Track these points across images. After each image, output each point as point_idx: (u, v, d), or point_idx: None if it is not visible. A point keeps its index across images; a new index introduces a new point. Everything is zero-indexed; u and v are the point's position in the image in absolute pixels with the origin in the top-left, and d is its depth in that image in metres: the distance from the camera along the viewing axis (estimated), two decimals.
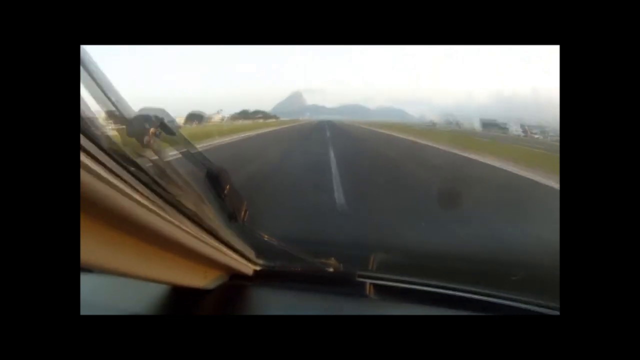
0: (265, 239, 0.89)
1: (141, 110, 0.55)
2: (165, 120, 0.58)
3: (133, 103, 0.53)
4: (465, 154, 10.20)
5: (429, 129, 36.71)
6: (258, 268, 0.93)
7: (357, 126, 38.86)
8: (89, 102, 0.41)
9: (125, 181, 0.38)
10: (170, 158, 0.60)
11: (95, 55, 0.45)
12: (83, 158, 0.32)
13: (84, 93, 0.37)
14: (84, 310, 0.40)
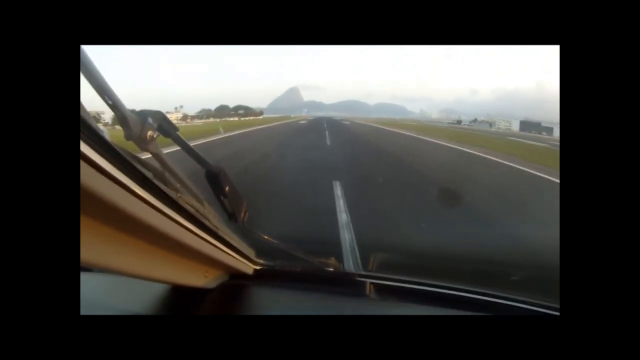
0: (265, 239, 0.89)
1: (140, 111, 0.54)
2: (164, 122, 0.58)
3: (131, 102, 0.53)
4: None
5: (469, 132, 28.25)
6: (258, 267, 0.93)
7: (373, 127, 28.03)
8: (89, 102, 0.41)
9: (125, 180, 0.38)
10: (169, 158, 0.60)
11: (94, 54, 0.44)
12: (83, 157, 0.32)
13: (83, 93, 0.37)
14: (84, 310, 0.40)
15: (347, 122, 37.50)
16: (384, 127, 27.95)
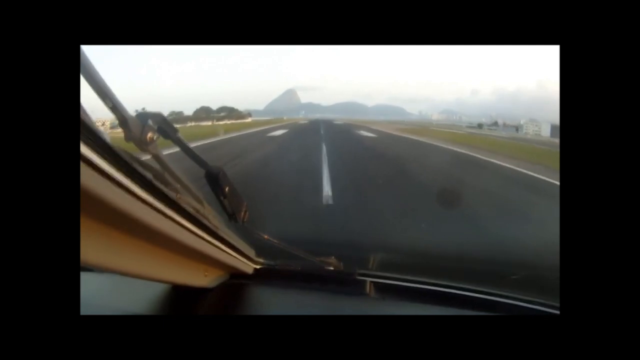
0: (266, 238, 0.89)
1: (140, 113, 0.54)
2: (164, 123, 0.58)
3: (130, 103, 0.53)
4: None
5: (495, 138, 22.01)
6: (258, 267, 0.94)
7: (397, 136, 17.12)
8: (88, 103, 0.41)
9: (125, 181, 0.38)
10: (169, 159, 0.60)
11: (93, 54, 0.44)
12: (83, 158, 0.32)
13: (83, 94, 0.37)
14: (84, 310, 0.40)
15: (371, 135, 17.33)
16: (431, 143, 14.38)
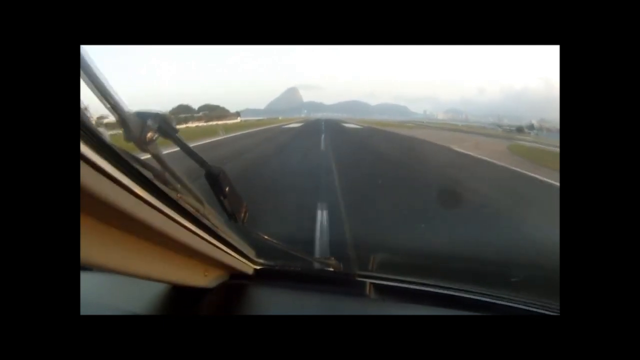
0: (266, 239, 0.90)
1: (139, 113, 0.54)
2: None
3: (129, 102, 0.53)
4: None
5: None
6: (258, 267, 0.94)
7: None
8: (88, 103, 0.41)
9: (125, 181, 0.38)
10: (169, 159, 0.60)
11: (94, 54, 0.44)
12: (83, 158, 0.32)
13: (83, 94, 0.37)
14: (84, 310, 0.40)
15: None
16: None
